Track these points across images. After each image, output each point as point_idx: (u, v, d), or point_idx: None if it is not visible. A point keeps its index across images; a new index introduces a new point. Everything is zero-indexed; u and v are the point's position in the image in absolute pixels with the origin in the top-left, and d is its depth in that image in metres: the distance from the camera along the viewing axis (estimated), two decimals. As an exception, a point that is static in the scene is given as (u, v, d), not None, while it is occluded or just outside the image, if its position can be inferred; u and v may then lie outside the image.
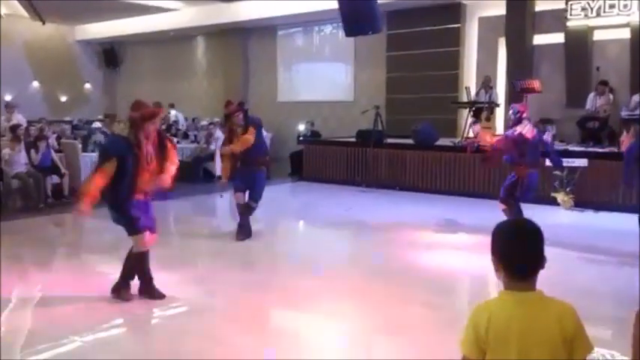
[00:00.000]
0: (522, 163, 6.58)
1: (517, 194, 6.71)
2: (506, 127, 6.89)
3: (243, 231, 6.79)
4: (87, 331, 3.99)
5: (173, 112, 15.95)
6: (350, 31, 12.42)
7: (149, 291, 4.63)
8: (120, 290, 4.59)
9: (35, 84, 18.54)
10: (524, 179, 6.60)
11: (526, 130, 6.57)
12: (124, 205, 4.44)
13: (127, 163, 4.32)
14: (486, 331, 1.69)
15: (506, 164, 6.97)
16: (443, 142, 10.87)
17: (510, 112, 6.95)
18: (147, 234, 4.55)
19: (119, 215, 4.53)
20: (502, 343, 1.68)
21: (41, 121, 12.92)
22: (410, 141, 11.09)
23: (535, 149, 6.69)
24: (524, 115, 6.68)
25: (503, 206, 6.76)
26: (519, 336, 1.66)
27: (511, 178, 6.75)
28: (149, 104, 4.67)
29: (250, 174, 6.71)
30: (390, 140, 11.41)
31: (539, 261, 1.74)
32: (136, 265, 4.62)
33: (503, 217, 7.62)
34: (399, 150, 11.02)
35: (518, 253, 1.73)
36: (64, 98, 19.18)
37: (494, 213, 8.10)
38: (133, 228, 4.50)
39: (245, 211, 6.80)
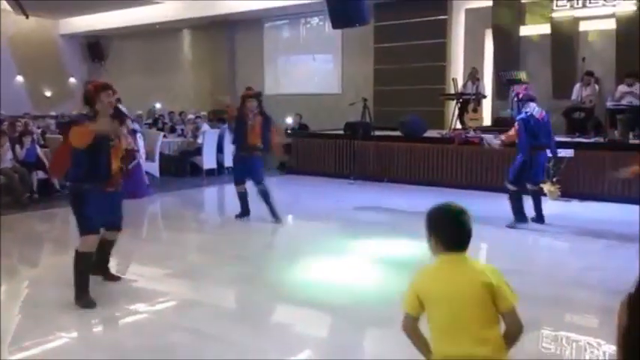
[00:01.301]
0: (534, 144, 6.71)
1: (526, 176, 6.82)
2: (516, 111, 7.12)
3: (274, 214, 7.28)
4: (74, 327, 3.96)
5: (158, 106, 15.86)
6: (337, 23, 12.37)
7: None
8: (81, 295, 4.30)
9: (19, 78, 18.33)
10: (534, 160, 6.74)
11: (535, 111, 6.73)
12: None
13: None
14: (426, 291, 2.04)
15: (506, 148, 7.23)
16: (430, 133, 10.90)
17: (513, 94, 7.12)
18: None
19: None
20: (438, 300, 2.00)
21: (25, 116, 12.77)
22: (398, 133, 11.10)
23: (546, 130, 6.82)
24: (521, 96, 6.87)
25: (513, 187, 6.89)
26: (453, 293, 1.99)
27: (519, 160, 6.84)
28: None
29: (247, 161, 7.12)
30: (377, 132, 11.41)
31: (469, 234, 2.08)
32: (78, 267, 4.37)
33: (489, 207, 7.68)
34: (387, 142, 11.02)
35: (456, 232, 2.08)
36: (48, 93, 18.99)
37: (483, 203, 8.15)
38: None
39: (264, 197, 7.26)
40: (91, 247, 4.33)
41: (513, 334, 2.06)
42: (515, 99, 6.96)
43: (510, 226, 6.95)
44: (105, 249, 4.72)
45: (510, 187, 6.95)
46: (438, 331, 2.02)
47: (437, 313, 2.02)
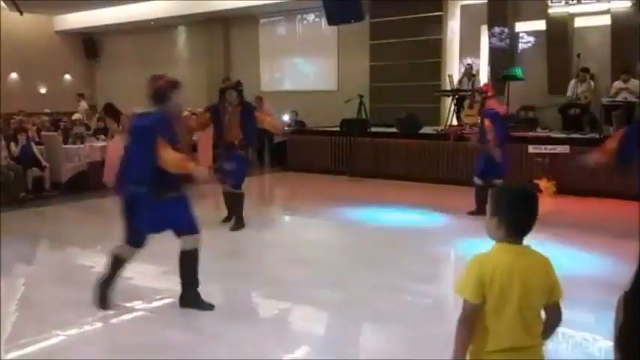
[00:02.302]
0: (493, 138, 6.97)
1: (494, 171, 7.02)
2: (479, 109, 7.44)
3: (236, 222, 6.76)
4: (70, 324, 3.95)
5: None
6: (333, 20, 12.37)
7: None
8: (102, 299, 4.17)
9: (14, 75, 18.24)
10: (495, 154, 6.99)
11: (497, 106, 7.14)
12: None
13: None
14: (491, 280, 1.88)
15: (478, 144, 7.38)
16: (426, 130, 10.90)
17: (476, 94, 7.46)
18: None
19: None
20: (506, 290, 1.88)
21: (20, 114, 12.72)
22: (394, 129, 11.10)
23: (504, 124, 7.18)
24: (490, 93, 7.24)
25: (477, 180, 7.17)
26: (521, 284, 1.89)
27: (482, 155, 7.14)
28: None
29: (227, 159, 6.58)
30: (374, 129, 11.41)
31: (534, 222, 1.98)
32: (111, 268, 4.19)
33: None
34: (383, 139, 11.03)
35: (526, 217, 1.96)
36: (43, 90, 18.90)
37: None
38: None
39: (238, 200, 6.74)
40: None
41: (556, 325, 2.06)
42: (483, 96, 7.22)
43: (471, 214, 7.16)
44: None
45: (478, 181, 7.18)
46: (505, 320, 1.90)
47: (506, 301, 1.89)
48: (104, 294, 4.16)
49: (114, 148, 9.59)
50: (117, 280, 4.20)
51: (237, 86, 6.84)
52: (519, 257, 1.95)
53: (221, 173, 6.50)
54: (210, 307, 4.18)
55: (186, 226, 4.10)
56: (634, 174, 3.25)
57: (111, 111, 9.99)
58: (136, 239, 4.04)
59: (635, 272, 1.42)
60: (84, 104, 16.35)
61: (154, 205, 3.90)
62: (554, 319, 2.03)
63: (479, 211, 7.19)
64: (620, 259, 5.09)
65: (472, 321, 1.93)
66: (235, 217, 6.78)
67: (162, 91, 3.95)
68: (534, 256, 1.99)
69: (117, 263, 4.15)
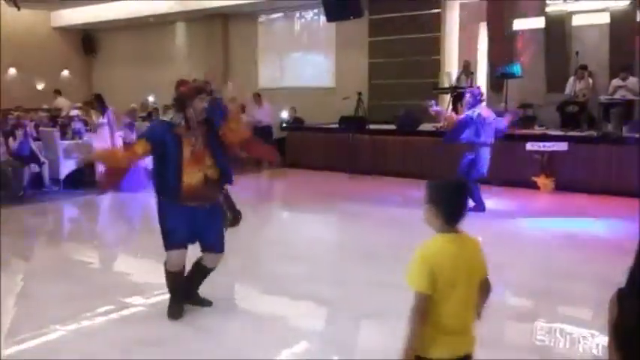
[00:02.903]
0: (478, 141, 7.09)
1: (473, 171, 7.16)
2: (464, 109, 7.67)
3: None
4: (69, 319, 3.96)
5: (152, 99, 15.78)
6: (331, 17, 12.38)
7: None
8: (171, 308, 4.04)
9: (11, 71, 18.20)
10: (479, 156, 7.11)
11: (484, 111, 7.21)
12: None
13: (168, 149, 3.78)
14: (441, 271, 2.02)
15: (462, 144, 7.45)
16: (425, 127, 10.91)
17: (468, 95, 7.51)
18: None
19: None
20: (454, 278, 2.03)
21: (18, 109, 12.68)
22: (392, 127, 11.11)
23: (490, 128, 7.22)
24: (481, 97, 7.40)
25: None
26: (465, 270, 2.07)
27: (466, 156, 7.22)
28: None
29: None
30: (372, 126, 11.41)
31: (466, 211, 2.14)
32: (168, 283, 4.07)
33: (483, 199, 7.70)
34: (382, 136, 11.03)
35: (459, 206, 2.13)
36: (40, 86, 18.86)
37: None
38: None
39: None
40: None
41: (488, 295, 2.25)
42: (479, 98, 7.31)
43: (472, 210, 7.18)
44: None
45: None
46: (450, 305, 2.03)
47: (450, 289, 2.03)
48: (177, 305, 4.03)
49: (103, 144, 9.34)
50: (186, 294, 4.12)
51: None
52: (461, 245, 2.11)
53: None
54: (208, 302, 4.18)
55: (212, 245, 4.01)
56: None
57: (99, 102, 9.94)
58: (174, 242, 3.95)
59: (631, 267, 1.43)
60: (61, 101, 15.87)
61: (184, 215, 3.85)
62: (486, 291, 2.22)
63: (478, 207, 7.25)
64: (618, 256, 5.10)
65: (425, 310, 2.03)
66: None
67: (183, 98, 3.85)
68: (470, 240, 2.16)
69: (173, 279, 4.05)
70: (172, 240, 3.91)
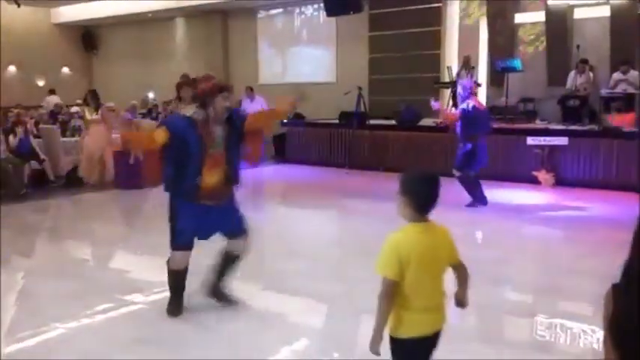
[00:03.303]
0: (475, 133, 7.14)
1: (473, 163, 7.21)
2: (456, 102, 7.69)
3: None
4: (68, 317, 3.95)
5: (152, 95, 15.76)
6: (331, 11, 12.34)
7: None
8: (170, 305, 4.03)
9: (12, 68, 18.18)
10: (477, 148, 7.15)
11: (477, 102, 7.27)
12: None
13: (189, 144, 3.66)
14: (409, 259, 2.16)
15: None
16: (425, 122, 10.88)
17: (459, 87, 7.54)
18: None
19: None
20: (421, 264, 2.18)
21: (18, 107, 12.67)
22: (393, 122, 11.08)
23: (487, 119, 7.37)
24: (474, 90, 7.47)
25: (458, 173, 7.28)
26: (432, 257, 2.23)
27: (463, 148, 7.24)
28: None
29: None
30: (372, 121, 11.38)
31: (436, 202, 2.25)
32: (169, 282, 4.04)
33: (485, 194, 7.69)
34: (382, 131, 11.01)
35: (429, 197, 2.23)
36: (41, 83, 18.84)
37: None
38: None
39: None
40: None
41: (466, 277, 2.39)
42: (469, 91, 7.28)
43: (470, 205, 7.31)
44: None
45: (456, 172, 7.30)
46: (424, 287, 2.22)
47: (423, 272, 2.19)
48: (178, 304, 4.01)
49: (93, 141, 9.40)
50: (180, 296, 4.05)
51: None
52: (428, 233, 2.24)
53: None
54: (235, 301, 4.11)
55: (235, 231, 3.97)
56: None
57: (94, 99, 9.61)
58: (182, 242, 3.90)
59: (626, 262, 1.42)
60: (53, 99, 15.50)
61: (198, 214, 3.79)
62: (463, 274, 2.37)
63: (476, 201, 7.28)
64: (619, 250, 5.09)
65: (392, 295, 2.19)
66: None
67: (204, 95, 3.72)
68: (438, 229, 2.30)
69: (174, 277, 4.00)
70: (180, 241, 3.88)
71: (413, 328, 2.25)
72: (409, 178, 2.27)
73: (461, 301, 2.43)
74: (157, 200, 9.01)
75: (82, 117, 10.77)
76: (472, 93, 7.30)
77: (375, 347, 2.22)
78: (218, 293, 4.13)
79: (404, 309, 2.23)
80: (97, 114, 9.44)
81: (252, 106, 12.84)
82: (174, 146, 3.68)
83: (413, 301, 2.22)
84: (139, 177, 9.12)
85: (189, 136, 3.66)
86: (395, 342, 2.26)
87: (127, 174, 8.96)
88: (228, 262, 4.07)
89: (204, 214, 3.80)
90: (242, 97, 12.82)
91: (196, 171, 3.68)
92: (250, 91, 13.09)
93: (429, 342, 2.29)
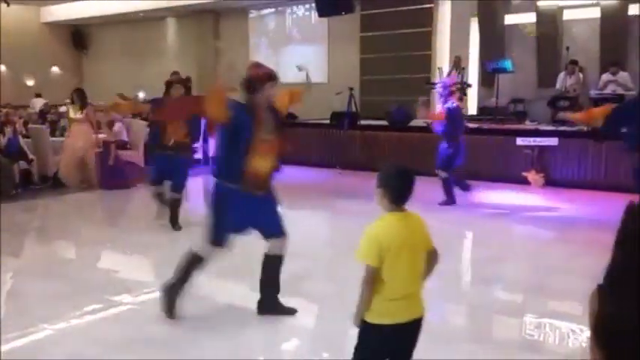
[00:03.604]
0: (457, 132, 7.28)
1: (454, 163, 7.32)
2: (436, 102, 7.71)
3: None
4: (57, 318, 3.92)
5: (142, 95, 15.69)
6: (323, 12, 12.33)
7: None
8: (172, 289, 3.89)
9: (1, 68, 18.05)
10: (459, 147, 7.29)
11: (458, 101, 7.42)
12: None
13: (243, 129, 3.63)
14: (388, 247, 2.29)
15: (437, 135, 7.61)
16: (417, 122, 10.89)
17: (439, 85, 7.60)
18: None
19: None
20: (399, 251, 2.30)
21: (7, 106, 12.59)
22: (384, 122, 11.09)
23: (462, 119, 7.55)
24: (455, 88, 7.50)
25: (445, 174, 7.37)
26: (410, 241, 2.34)
27: (447, 148, 7.31)
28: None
29: (172, 161, 6.10)
30: (364, 122, 11.39)
31: (412, 193, 2.39)
32: (187, 268, 3.90)
33: (476, 195, 7.72)
34: (374, 132, 11.01)
35: (405, 189, 2.38)
36: (30, 82, 18.72)
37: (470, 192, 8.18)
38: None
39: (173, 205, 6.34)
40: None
41: (434, 264, 2.50)
42: (445, 91, 7.39)
43: (444, 204, 7.41)
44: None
45: (443, 174, 7.40)
46: (400, 274, 2.32)
47: (400, 260, 2.30)
48: (172, 302, 3.87)
49: (74, 141, 9.13)
50: (186, 286, 3.90)
51: (186, 82, 6.48)
52: (405, 222, 2.38)
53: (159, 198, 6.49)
54: (292, 311, 3.98)
55: (274, 229, 3.92)
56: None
57: (80, 97, 9.23)
58: (218, 238, 3.81)
59: (609, 264, 1.42)
60: (39, 102, 15.31)
61: (242, 202, 3.72)
62: (433, 260, 2.48)
63: (449, 201, 7.41)
64: (609, 251, 5.12)
65: (372, 280, 2.32)
66: (172, 219, 6.39)
67: (254, 81, 3.73)
68: (414, 217, 2.43)
69: (193, 263, 3.88)
70: (221, 238, 3.80)
71: (387, 314, 2.33)
72: (385, 172, 2.43)
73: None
74: (143, 200, 8.99)
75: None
76: (452, 92, 7.35)
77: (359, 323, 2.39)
78: (276, 306, 3.97)
79: (382, 294, 2.33)
80: (81, 113, 9.14)
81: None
82: (231, 128, 3.64)
83: (389, 288, 2.32)
84: (122, 177, 9.11)
85: (245, 120, 3.64)
86: (366, 325, 2.36)
87: (111, 174, 8.98)
88: (273, 266, 4.01)
89: (249, 204, 3.73)
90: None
91: (247, 157, 3.65)
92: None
93: (404, 330, 2.36)
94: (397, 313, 2.34)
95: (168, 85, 6.21)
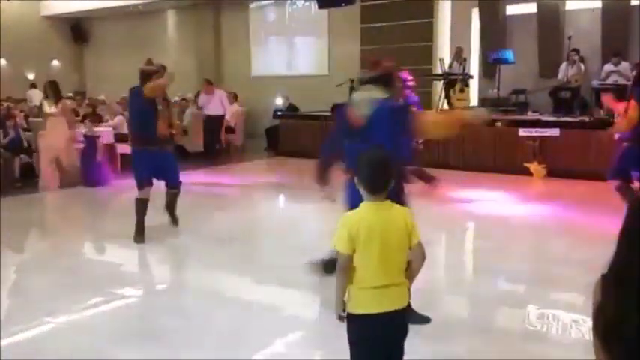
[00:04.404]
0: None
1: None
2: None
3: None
4: (60, 312, 3.93)
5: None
6: (323, 3, 12.28)
7: None
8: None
9: (1, 61, 18.02)
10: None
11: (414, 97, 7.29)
12: None
13: None
14: (357, 232, 2.28)
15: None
16: (417, 114, 10.87)
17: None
18: None
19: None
20: (370, 238, 2.29)
21: (8, 100, 12.59)
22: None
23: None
24: (410, 83, 7.12)
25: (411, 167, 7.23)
26: (381, 232, 2.30)
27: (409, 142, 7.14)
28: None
29: (156, 158, 5.60)
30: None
31: (388, 182, 2.35)
32: None
33: (477, 188, 7.71)
34: (374, 123, 10.98)
35: (376, 178, 2.34)
36: (31, 76, 18.69)
37: (471, 184, 8.18)
38: None
39: (172, 201, 6.00)
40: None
41: (421, 261, 2.43)
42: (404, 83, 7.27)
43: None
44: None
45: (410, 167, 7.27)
46: (369, 264, 2.30)
47: (369, 249, 2.29)
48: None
49: (49, 139, 8.56)
50: None
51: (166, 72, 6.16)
52: (379, 212, 2.34)
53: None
54: (427, 319, 3.75)
55: None
56: None
57: (52, 90, 8.66)
58: None
59: (614, 252, 1.42)
60: (36, 93, 14.80)
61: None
62: (419, 255, 2.41)
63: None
64: (610, 241, 5.12)
65: (347, 268, 2.32)
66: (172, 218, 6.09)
67: (391, 73, 3.72)
68: (393, 209, 2.38)
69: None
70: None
71: (362, 304, 2.33)
72: (360, 161, 2.42)
73: (409, 280, 2.46)
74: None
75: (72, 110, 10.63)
76: (408, 87, 7.08)
77: (337, 315, 2.41)
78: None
79: (354, 284, 2.34)
80: (56, 107, 8.52)
81: (209, 103, 11.74)
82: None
83: (362, 277, 2.32)
84: (106, 174, 8.77)
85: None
86: (348, 316, 2.38)
87: (96, 171, 8.69)
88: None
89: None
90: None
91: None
92: (209, 85, 11.96)
93: (382, 320, 2.31)
94: (369, 303, 2.32)
95: (149, 75, 5.83)
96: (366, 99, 3.52)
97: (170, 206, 6.04)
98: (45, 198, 8.48)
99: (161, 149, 5.60)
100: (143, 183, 5.60)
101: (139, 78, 5.84)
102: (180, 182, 5.93)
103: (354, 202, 3.32)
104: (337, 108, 3.90)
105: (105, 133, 9.60)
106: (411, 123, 3.53)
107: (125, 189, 8.33)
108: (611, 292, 1.32)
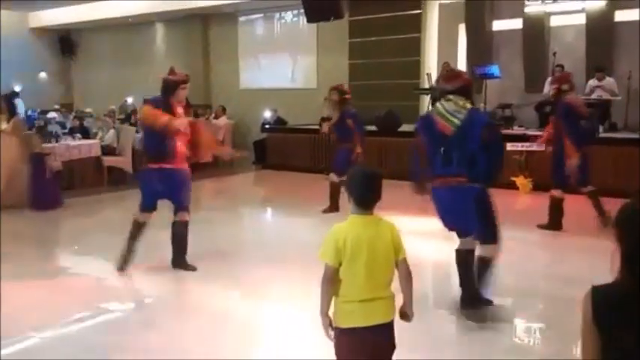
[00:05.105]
0: (355, 136, 7.54)
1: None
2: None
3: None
4: (45, 326, 3.90)
5: (130, 101, 15.65)
6: (312, 18, 12.35)
7: None
8: None
9: (-12, 73, 17.92)
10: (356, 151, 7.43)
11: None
12: None
13: None
14: (344, 244, 2.31)
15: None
16: (405, 128, 10.94)
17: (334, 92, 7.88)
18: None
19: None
20: (356, 251, 2.30)
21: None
22: (373, 128, 11.13)
23: (362, 124, 7.86)
24: (348, 97, 7.86)
25: (337, 179, 7.50)
26: (368, 245, 2.32)
27: (346, 153, 7.52)
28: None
29: (168, 175, 5.00)
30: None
31: (377, 197, 2.40)
32: None
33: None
34: (362, 136, 11.03)
35: (366, 192, 2.39)
36: (18, 88, 18.57)
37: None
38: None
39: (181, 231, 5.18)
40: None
41: (408, 276, 2.45)
42: (344, 97, 7.79)
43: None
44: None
45: (334, 177, 7.60)
46: (356, 277, 2.32)
47: (356, 262, 2.30)
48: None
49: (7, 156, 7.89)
50: None
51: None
52: (367, 226, 2.37)
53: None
54: (489, 302, 4.12)
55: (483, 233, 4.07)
56: None
57: (8, 104, 8.23)
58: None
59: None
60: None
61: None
62: (403, 273, 2.44)
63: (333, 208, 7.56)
64: (594, 256, 5.16)
65: (332, 280, 2.35)
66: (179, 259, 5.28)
67: (471, 85, 4.07)
68: (381, 223, 2.41)
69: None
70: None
71: (349, 317, 2.35)
72: (350, 176, 2.48)
73: (404, 314, 2.47)
74: (132, 205, 8.94)
75: (60, 122, 10.61)
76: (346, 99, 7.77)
77: (325, 331, 2.41)
78: (478, 300, 4.07)
79: (340, 298, 2.36)
80: (7, 123, 8.00)
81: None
82: None
83: (348, 291, 2.34)
84: (55, 195, 8.16)
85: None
86: (334, 330, 2.39)
87: (43, 191, 8.01)
88: (482, 268, 4.11)
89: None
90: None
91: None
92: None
93: (367, 334, 2.32)
94: (355, 316, 2.33)
95: (176, 84, 5.27)
96: (457, 109, 3.81)
97: (182, 239, 5.23)
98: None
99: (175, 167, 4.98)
100: (147, 209, 5.13)
101: (161, 88, 5.22)
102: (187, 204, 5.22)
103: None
104: (422, 120, 4.34)
105: (93, 145, 9.57)
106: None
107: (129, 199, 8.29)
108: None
